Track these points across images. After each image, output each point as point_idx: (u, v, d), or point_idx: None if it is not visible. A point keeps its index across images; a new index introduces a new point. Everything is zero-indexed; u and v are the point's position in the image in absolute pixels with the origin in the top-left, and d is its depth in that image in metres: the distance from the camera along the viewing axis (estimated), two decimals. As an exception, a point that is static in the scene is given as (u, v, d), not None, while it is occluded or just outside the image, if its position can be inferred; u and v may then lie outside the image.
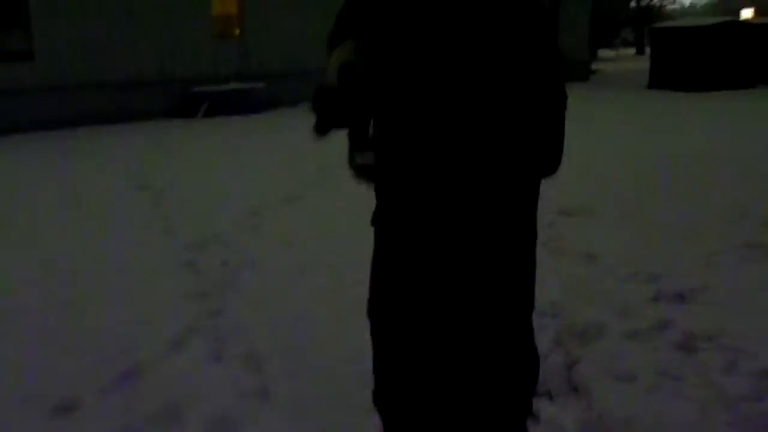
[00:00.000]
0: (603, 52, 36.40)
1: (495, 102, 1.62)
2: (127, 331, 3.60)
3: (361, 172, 1.77)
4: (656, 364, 3.07)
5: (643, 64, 20.54)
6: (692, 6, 50.30)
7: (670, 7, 45.62)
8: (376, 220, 1.86)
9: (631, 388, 2.91)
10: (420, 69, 1.64)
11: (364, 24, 1.72)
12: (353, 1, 1.79)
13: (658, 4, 43.27)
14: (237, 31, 15.55)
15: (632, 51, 41.61)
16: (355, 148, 1.77)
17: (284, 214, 6.00)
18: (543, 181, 1.80)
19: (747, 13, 33.18)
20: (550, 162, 1.72)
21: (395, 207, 1.77)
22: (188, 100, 14.39)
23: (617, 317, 3.57)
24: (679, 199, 5.98)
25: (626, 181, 6.84)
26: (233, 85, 14.71)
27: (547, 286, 3.69)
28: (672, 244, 4.75)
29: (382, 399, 2.05)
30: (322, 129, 1.70)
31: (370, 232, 1.91)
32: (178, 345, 3.43)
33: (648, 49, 20.93)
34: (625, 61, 32.14)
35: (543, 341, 2.80)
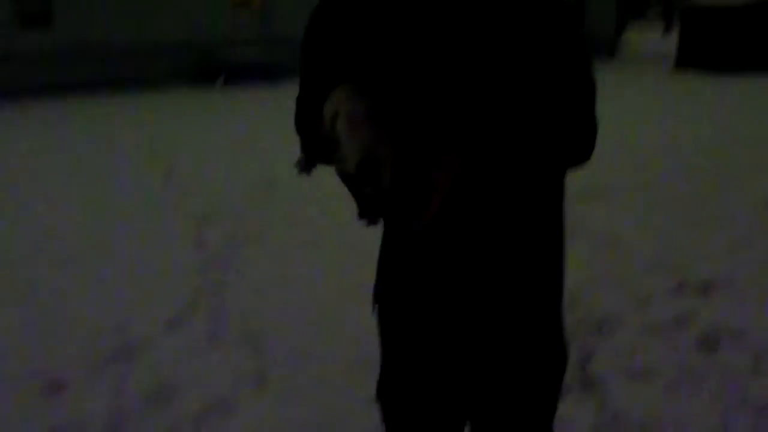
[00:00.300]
0: (630, 30, 35.75)
1: (513, 97, 1.44)
2: (123, 307, 3.48)
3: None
4: (676, 362, 2.89)
5: (671, 42, 20.09)
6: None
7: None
8: None
9: (649, 387, 2.74)
10: (425, 72, 1.45)
11: (348, 53, 1.51)
12: (321, 28, 1.54)
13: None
14: (258, -1, 15.34)
15: (660, 29, 40.88)
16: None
17: (295, 189, 5.83)
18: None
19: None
20: (581, 152, 1.53)
21: None
22: (207, 68, 14.24)
23: (636, 309, 3.40)
24: (707, 185, 5.75)
25: (651, 164, 6.61)
26: (253, 54, 14.53)
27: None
28: (698, 232, 4.55)
29: (386, 393, 1.90)
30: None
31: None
32: (176, 324, 3.30)
33: (676, 28, 20.45)
34: (652, 40, 31.53)
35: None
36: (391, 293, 1.73)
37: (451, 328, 1.63)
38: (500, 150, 1.43)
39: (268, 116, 10.10)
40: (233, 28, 14.78)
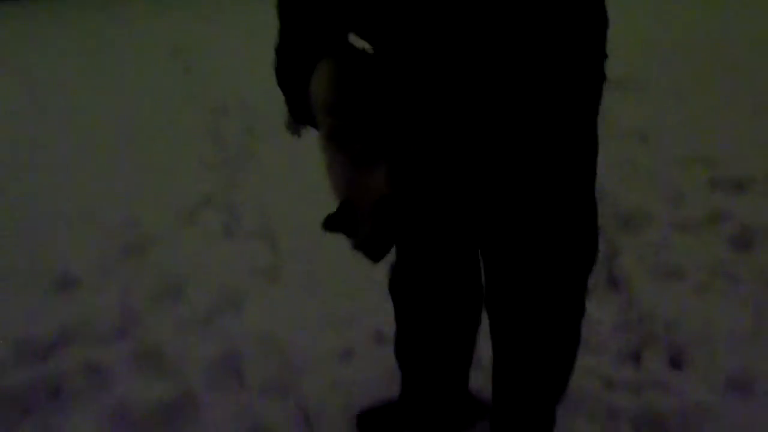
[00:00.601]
0: None
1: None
2: (136, 202, 3.40)
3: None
4: (707, 261, 2.76)
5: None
6: None
7: None
8: None
9: (678, 286, 2.62)
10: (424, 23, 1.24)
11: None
12: None
13: None
14: None
15: None
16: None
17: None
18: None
19: None
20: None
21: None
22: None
23: (667, 205, 3.25)
24: (745, 75, 5.46)
25: (685, 51, 6.27)
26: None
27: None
28: (734, 125, 4.32)
29: (398, 287, 1.81)
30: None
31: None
32: (190, 218, 3.23)
33: None
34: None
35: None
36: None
37: (471, 196, 1.47)
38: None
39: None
40: None
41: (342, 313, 2.50)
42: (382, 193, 1.26)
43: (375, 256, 1.31)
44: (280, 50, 1.42)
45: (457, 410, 2.00)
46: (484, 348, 1.82)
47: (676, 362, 2.26)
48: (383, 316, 2.08)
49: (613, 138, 4.01)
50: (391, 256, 1.64)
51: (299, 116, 1.43)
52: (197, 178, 3.69)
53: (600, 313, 2.46)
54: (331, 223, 1.29)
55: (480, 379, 2.01)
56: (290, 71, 1.39)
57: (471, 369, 1.97)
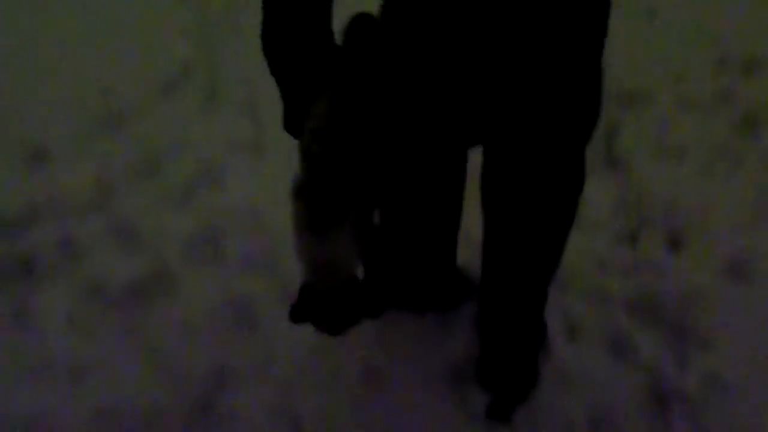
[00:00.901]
0: None
1: None
2: (112, 72, 3.20)
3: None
4: (710, 141, 2.64)
5: None
6: None
7: None
8: None
9: (678, 165, 2.51)
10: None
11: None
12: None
13: None
14: None
15: None
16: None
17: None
18: None
19: None
20: None
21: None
22: None
23: (671, 83, 3.09)
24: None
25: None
26: None
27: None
28: (744, 4, 4.11)
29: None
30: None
31: None
32: (169, 88, 3.05)
33: None
34: None
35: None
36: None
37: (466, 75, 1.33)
38: None
39: None
40: None
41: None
42: (348, 274, 1.18)
43: (335, 333, 1.23)
44: (265, 24, 1.23)
45: (444, 287, 1.92)
46: (473, 223, 1.72)
47: (673, 245, 2.19)
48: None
49: (619, 12, 3.80)
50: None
51: (291, 115, 1.27)
52: (177, 47, 3.48)
53: (597, 192, 2.36)
54: (297, 315, 1.20)
55: (468, 257, 1.93)
56: (280, 55, 1.21)
57: (459, 245, 1.88)
